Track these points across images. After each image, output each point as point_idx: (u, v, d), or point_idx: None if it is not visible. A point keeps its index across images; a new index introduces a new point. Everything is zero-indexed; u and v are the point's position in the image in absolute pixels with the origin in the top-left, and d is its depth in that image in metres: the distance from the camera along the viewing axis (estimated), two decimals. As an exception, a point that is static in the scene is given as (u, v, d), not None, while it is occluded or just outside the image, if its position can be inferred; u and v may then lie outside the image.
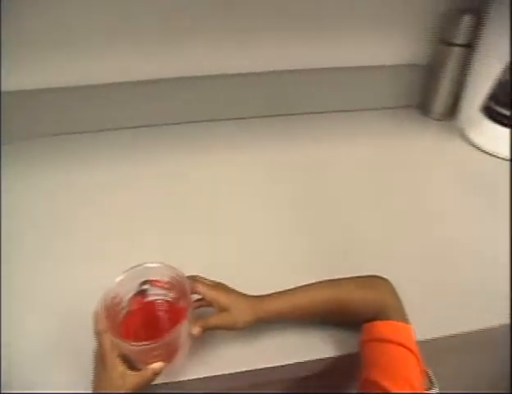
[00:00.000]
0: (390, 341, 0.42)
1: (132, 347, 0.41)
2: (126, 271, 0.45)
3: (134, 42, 0.79)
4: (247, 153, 0.81)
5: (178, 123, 0.88)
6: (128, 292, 0.46)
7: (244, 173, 0.76)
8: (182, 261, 0.46)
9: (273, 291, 0.48)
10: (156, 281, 0.46)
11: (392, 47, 0.88)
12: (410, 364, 0.41)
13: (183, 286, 0.44)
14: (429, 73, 0.89)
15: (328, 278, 0.49)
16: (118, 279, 0.44)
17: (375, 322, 0.44)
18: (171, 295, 0.47)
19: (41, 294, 0.56)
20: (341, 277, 0.49)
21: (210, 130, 0.87)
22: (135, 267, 0.45)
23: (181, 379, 0.47)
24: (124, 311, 0.45)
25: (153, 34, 0.78)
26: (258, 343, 0.49)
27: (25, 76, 0.78)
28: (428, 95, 0.91)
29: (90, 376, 0.43)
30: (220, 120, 0.89)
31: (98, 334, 0.42)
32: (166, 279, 0.46)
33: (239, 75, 0.84)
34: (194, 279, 0.46)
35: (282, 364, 0.48)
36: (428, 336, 0.50)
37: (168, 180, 0.75)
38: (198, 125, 0.88)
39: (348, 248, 0.62)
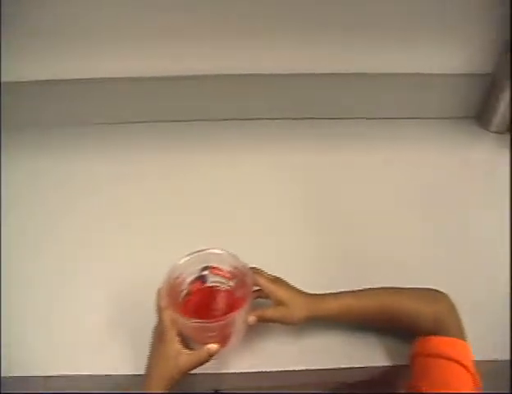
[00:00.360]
0: (446, 358, 0.42)
1: (190, 324, 0.42)
2: (191, 254, 0.46)
3: (145, 37, 0.79)
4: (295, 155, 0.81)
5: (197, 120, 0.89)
6: (189, 275, 0.47)
7: (280, 175, 0.77)
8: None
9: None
10: (216, 268, 0.48)
11: (453, 55, 0.85)
12: (465, 382, 0.41)
13: (244, 275, 0.45)
14: (491, 83, 0.86)
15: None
16: (182, 260, 0.46)
17: (431, 337, 0.44)
18: (229, 284, 0.48)
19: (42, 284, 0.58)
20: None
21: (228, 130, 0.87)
22: (199, 251, 0.46)
23: (227, 371, 0.48)
24: (184, 292, 0.47)
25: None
26: (304, 343, 0.50)
27: (27, 69, 0.81)
28: (488, 106, 0.88)
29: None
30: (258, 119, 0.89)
31: (160, 310, 0.44)
32: (227, 267, 0.47)
33: (287, 75, 0.84)
34: (254, 271, 0.47)
35: (327, 367, 0.49)
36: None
37: (175, 177, 0.76)
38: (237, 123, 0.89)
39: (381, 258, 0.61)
